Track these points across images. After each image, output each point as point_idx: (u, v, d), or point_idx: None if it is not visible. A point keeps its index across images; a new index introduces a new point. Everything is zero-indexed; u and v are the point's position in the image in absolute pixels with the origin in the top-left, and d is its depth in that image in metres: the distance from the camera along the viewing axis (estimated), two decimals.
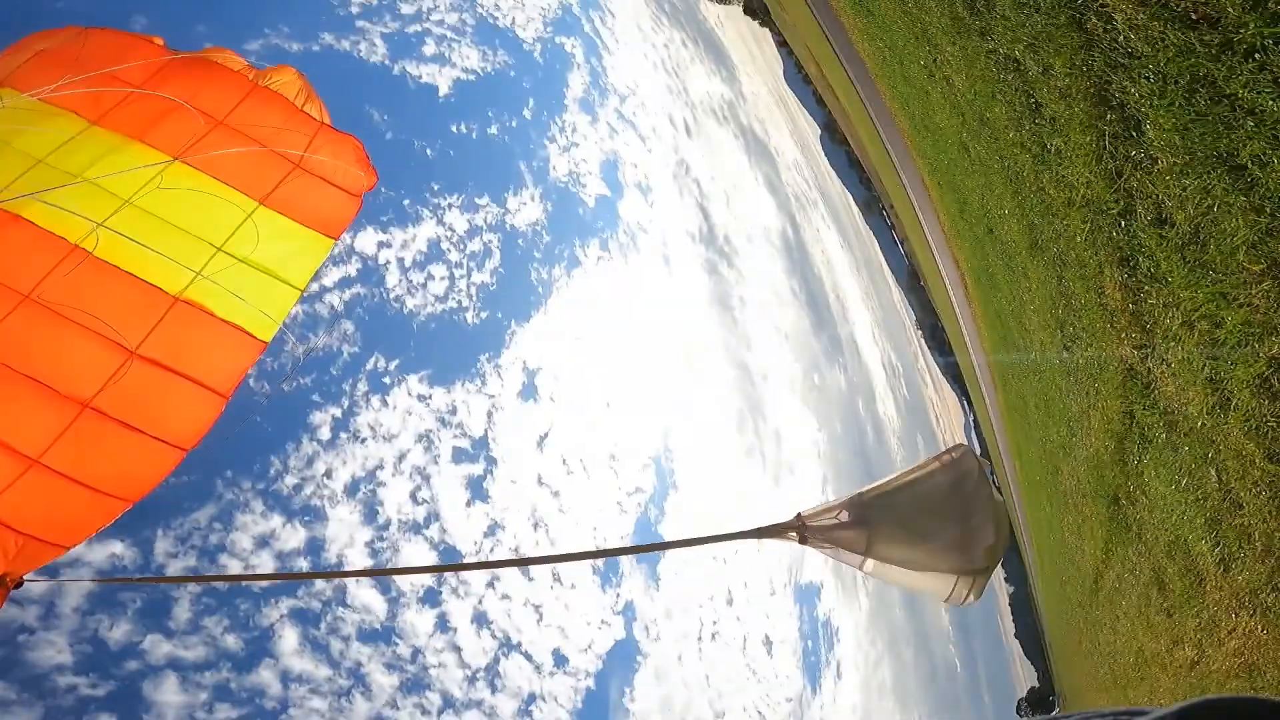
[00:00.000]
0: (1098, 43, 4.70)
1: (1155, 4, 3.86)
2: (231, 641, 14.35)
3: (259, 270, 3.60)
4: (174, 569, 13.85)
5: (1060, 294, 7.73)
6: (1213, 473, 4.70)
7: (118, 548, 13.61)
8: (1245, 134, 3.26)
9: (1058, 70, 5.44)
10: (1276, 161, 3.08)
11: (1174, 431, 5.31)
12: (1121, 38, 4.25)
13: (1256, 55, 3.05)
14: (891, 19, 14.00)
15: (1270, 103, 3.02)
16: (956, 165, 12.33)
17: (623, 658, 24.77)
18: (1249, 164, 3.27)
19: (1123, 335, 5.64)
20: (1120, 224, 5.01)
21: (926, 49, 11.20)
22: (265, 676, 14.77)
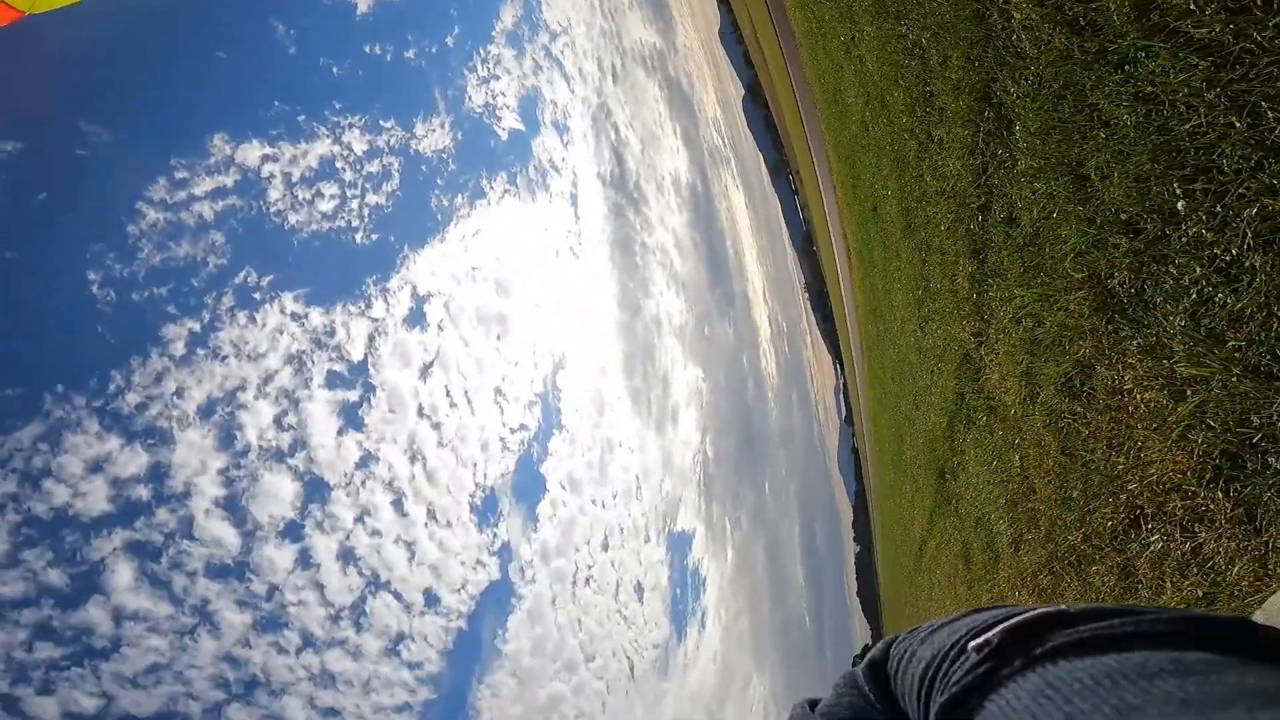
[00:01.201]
0: (994, 38, 4.78)
1: (1050, 5, 3.92)
2: (55, 576, 12.83)
3: None
4: None
5: (922, 276, 8.16)
6: (1016, 458, 5.16)
7: None
8: (1095, 145, 3.41)
9: (954, 62, 5.53)
10: (1116, 176, 3.25)
11: (993, 416, 5.78)
12: (1014, 36, 4.33)
13: (1126, 67, 3.14)
14: None
15: (1126, 116, 3.14)
16: (856, 142, 12.60)
17: (497, 599, 24.92)
18: (1092, 175, 3.43)
19: (965, 322, 6.01)
20: (978, 218, 5.25)
21: (848, 26, 11.23)
22: (94, 614, 13.38)
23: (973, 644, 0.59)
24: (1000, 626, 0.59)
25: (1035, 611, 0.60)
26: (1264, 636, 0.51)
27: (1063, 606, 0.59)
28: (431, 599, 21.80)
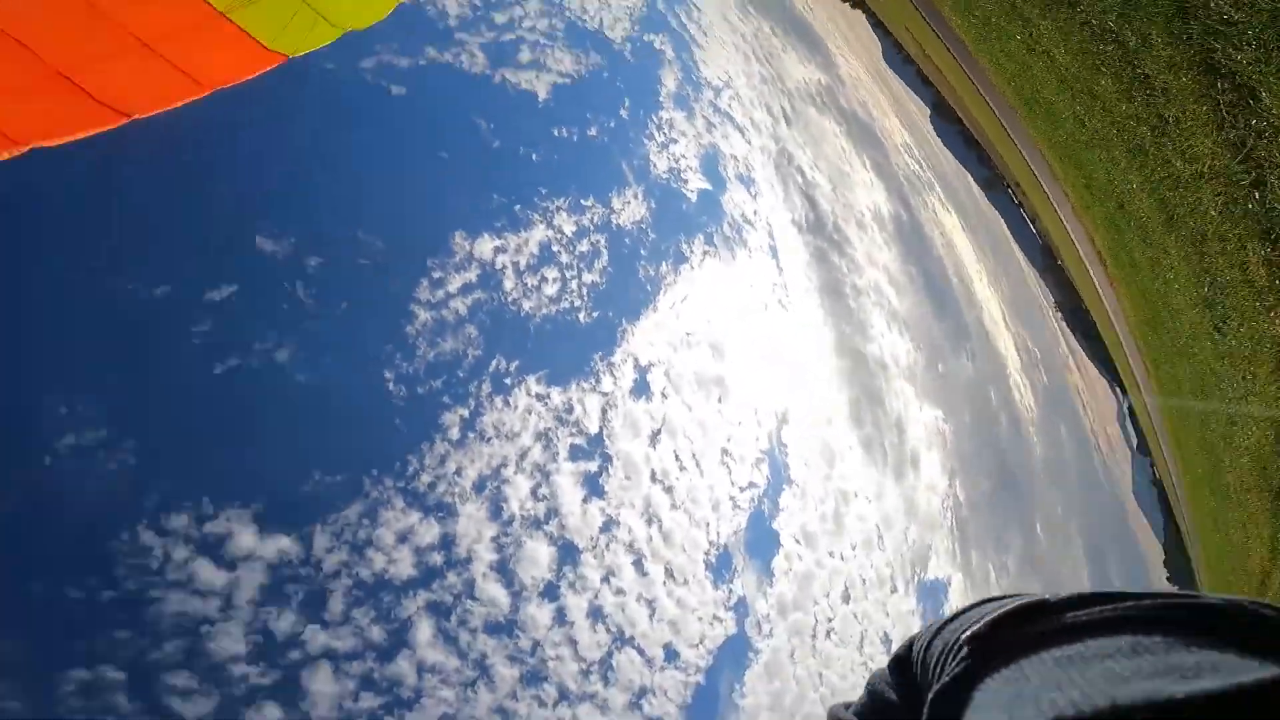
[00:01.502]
0: (1190, 9, 4.33)
1: None
2: (376, 633, 15.80)
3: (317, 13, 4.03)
4: (330, 562, 15.91)
5: (1203, 270, 7.03)
6: None
7: (285, 542, 15.64)
8: None
9: (1156, 39, 5.02)
10: None
11: None
12: (1213, 4, 3.91)
13: None
14: None
15: None
16: (1074, 139, 11.43)
17: (734, 653, 24.64)
18: None
19: (1272, 314, 5.08)
20: (1254, 195, 4.55)
21: (1019, 24, 10.61)
22: (403, 667, 16.17)
23: (964, 636, 0.62)
24: (985, 620, 0.62)
25: (1018, 603, 0.63)
26: (1249, 617, 0.51)
27: (1045, 596, 0.62)
28: (671, 654, 22.23)
